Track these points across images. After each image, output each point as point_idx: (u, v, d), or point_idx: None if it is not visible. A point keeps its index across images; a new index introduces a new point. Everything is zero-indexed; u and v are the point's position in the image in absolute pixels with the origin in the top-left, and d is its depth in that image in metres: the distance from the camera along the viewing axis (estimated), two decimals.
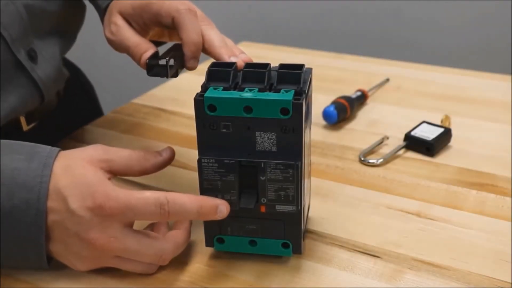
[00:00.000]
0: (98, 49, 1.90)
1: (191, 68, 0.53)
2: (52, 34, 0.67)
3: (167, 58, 0.50)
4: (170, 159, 0.51)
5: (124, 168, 0.49)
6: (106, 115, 0.83)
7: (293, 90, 0.45)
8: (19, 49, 0.61)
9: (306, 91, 0.46)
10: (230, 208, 0.47)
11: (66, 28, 0.71)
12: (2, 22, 0.58)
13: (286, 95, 0.44)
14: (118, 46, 0.56)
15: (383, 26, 1.61)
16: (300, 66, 0.47)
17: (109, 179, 0.48)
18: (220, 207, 0.46)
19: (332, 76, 0.93)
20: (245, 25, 1.70)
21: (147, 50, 0.53)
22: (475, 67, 0.98)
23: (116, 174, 0.49)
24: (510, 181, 0.63)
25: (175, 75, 0.52)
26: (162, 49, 0.56)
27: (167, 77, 0.50)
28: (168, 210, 0.45)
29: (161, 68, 0.50)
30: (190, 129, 0.76)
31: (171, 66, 0.50)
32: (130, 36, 0.54)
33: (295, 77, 0.46)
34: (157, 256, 0.48)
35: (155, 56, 0.52)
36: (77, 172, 0.46)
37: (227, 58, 0.51)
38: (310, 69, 0.50)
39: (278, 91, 0.45)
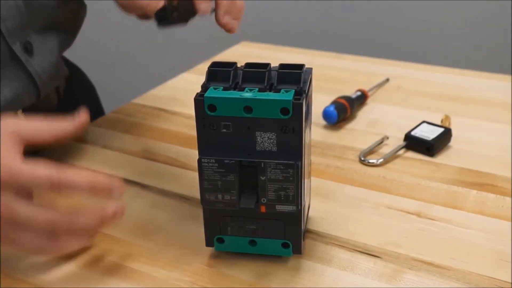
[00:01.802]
0: (99, 49, 1.91)
1: (204, 11, 0.51)
2: (50, 29, 0.67)
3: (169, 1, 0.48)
4: (82, 122, 0.52)
5: (33, 134, 0.50)
6: (106, 115, 0.83)
7: (293, 90, 0.45)
8: (15, 41, 0.61)
9: (306, 91, 0.46)
10: (230, 208, 0.48)
11: (65, 24, 0.70)
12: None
13: (286, 95, 0.44)
14: (131, 8, 0.56)
15: (383, 26, 1.61)
16: (300, 66, 0.47)
17: (21, 150, 0.48)
18: (114, 186, 0.48)
19: (332, 76, 0.92)
20: (245, 25, 1.69)
21: (158, 5, 0.52)
22: (475, 67, 0.98)
23: (28, 141, 0.50)
24: (510, 181, 0.63)
25: (184, 20, 0.50)
26: None
27: (169, 20, 0.48)
28: (58, 186, 0.46)
29: (165, 12, 0.48)
30: (190, 129, 0.76)
31: (173, 7, 0.48)
32: None
33: (295, 77, 0.46)
34: (49, 224, 0.48)
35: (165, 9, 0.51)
36: None
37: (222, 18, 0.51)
38: (310, 69, 0.50)
39: (278, 91, 0.45)
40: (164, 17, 0.49)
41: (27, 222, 0.48)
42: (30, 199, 0.49)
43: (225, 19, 0.52)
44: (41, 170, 0.47)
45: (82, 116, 0.52)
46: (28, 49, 0.63)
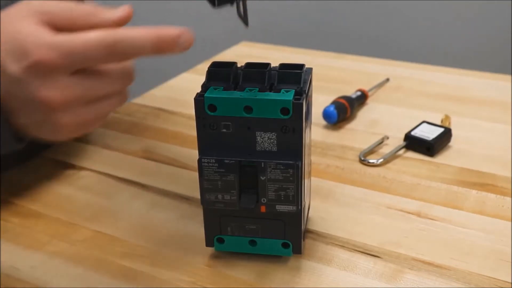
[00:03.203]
0: None
1: None
2: None
3: None
4: (125, 18, 0.42)
5: (67, 20, 0.41)
6: None
7: (293, 90, 0.45)
8: None
9: (306, 91, 0.46)
10: (230, 208, 0.48)
11: None
12: None
13: (286, 95, 0.44)
14: None
15: (383, 26, 1.61)
16: (300, 66, 0.47)
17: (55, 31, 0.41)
18: (182, 37, 0.39)
19: (332, 76, 0.92)
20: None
21: None
22: (475, 67, 0.98)
23: (59, 28, 0.41)
24: (510, 181, 0.63)
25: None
26: None
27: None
28: (118, 50, 0.39)
29: None
30: (190, 129, 0.76)
31: None
32: None
33: (295, 77, 0.46)
34: (123, 78, 0.42)
35: None
36: (10, 29, 0.39)
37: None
38: (310, 69, 0.50)
39: (278, 91, 0.45)
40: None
41: (102, 91, 0.42)
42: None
43: None
44: (91, 35, 0.39)
45: (125, 8, 0.42)
46: None
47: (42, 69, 0.39)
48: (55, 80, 0.39)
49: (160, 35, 0.39)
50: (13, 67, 0.39)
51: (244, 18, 0.45)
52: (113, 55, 0.39)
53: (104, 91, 0.42)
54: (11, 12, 0.41)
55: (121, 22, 0.42)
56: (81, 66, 0.40)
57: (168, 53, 0.40)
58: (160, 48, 0.40)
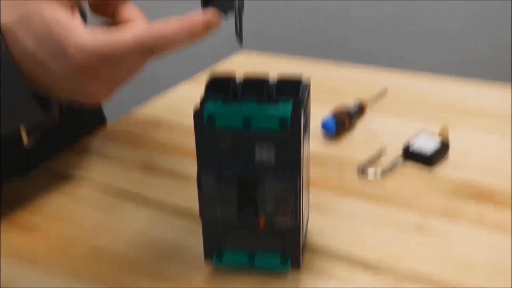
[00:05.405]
0: None
1: None
2: None
3: None
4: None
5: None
6: (106, 125, 0.83)
7: (292, 102, 0.45)
8: None
9: (305, 103, 0.46)
10: (229, 222, 0.47)
11: None
12: None
13: (284, 107, 0.44)
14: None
15: (382, 35, 1.61)
16: (299, 78, 0.47)
17: (74, 9, 0.43)
18: (211, 22, 0.41)
19: (330, 86, 0.93)
20: (243, 33, 1.70)
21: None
22: (475, 77, 0.98)
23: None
24: (509, 194, 0.62)
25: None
26: None
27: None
28: (157, 50, 0.41)
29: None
30: (189, 140, 0.76)
31: None
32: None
33: (293, 89, 0.46)
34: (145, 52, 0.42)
35: None
36: (35, 25, 0.41)
37: None
38: (308, 80, 0.50)
39: (276, 103, 0.45)
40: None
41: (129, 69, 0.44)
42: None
43: None
44: (128, 37, 0.40)
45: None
46: None
47: (85, 72, 0.42)
48: (100, 76, 0.42)
49: (192, 25, 0.41)
50: (56, 66, 0.42)
51: (239, 34, 0.45)
52: (151, 54, 0.41)
53: (137, 60, 0.44)
54: (27, 3, 0.41)
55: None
56: (121, 66, 0.43)
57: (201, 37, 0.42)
58: (195, 37, 0.41)
